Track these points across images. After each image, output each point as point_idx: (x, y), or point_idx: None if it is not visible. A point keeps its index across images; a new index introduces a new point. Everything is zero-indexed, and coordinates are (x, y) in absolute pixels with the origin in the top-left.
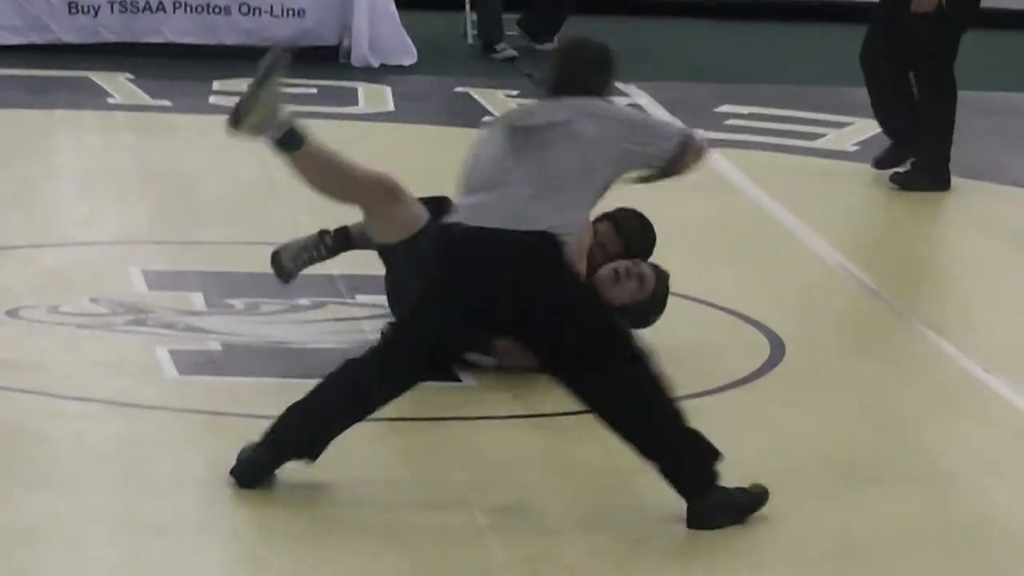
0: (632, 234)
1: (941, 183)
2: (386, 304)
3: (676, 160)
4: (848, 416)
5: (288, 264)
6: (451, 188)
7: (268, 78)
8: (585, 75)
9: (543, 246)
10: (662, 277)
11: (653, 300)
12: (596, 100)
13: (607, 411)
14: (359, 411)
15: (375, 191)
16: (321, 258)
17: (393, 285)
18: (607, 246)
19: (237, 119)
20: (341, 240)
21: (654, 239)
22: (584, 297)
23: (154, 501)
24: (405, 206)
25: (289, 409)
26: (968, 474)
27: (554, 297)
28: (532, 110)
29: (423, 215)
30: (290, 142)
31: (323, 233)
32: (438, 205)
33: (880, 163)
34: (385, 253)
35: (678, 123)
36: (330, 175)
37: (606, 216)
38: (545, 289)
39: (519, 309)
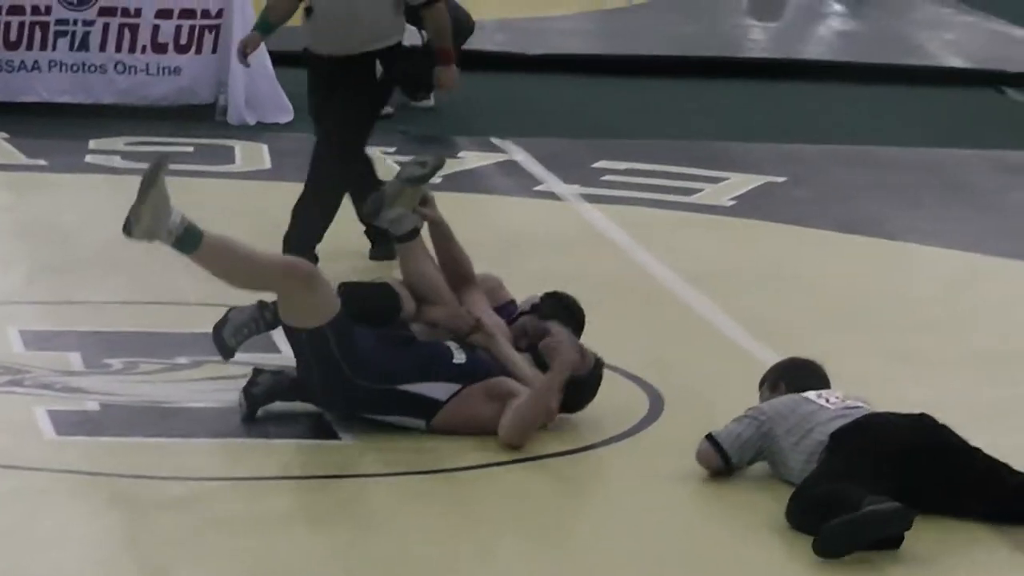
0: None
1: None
2: (261, 361)
3: None
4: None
5: (230, 341)
6: (328, 245)
7: (153, 183)
8: None
9: None
10: (599, 361)
11: (590, 380)
12: None
13: None
14: None
15: (290, 279)
16: (260, 332)
17: (300, 366)
18: (529, 333)
19: (129, 226)
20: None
21: (583, 318)
22: None
23: (33, 560)
24: (318, 295)
25: None
26: None
27: None
28: None
29: (335, 306)
30: (187, 242)
31: (262, 306)
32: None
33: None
34: (290, 333)
35: None
36: (238, 268)
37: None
38: None
39: None
